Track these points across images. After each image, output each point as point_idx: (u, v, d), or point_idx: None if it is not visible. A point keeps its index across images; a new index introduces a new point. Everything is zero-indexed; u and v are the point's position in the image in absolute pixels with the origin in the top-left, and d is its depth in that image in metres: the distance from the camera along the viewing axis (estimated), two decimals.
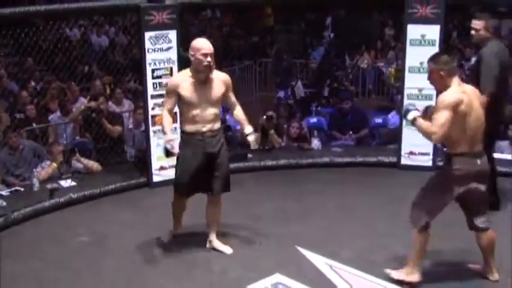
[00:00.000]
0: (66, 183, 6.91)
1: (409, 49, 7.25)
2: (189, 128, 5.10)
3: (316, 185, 7.08)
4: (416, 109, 4.62)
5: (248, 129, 5.20)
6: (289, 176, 7.45)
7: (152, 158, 7.03)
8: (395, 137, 7.84)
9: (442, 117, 4.40)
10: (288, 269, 5.10)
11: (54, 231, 6.04)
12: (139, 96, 8.54)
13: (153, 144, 7.00)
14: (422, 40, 7.13)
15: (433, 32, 7.12)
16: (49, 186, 6.69)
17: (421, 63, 6.91)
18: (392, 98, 11.94)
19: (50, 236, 5.92)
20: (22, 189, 6.83)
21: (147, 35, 6.78)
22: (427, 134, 4.51)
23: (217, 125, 5.17)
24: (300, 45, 14.41)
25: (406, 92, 7.29)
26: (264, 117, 8.16)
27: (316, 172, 7.56)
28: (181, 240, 5.60)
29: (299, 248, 5.45)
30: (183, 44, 6.62)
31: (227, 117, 8.64)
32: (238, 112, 5.30)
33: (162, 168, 7.06)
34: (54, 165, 7.10)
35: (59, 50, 9.26)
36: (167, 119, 5.10)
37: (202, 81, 5.05)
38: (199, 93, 5.04)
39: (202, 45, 5.01)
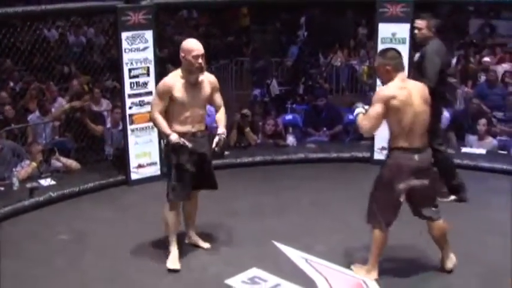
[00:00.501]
0: (45, 182, 6.94)
1: (381, 47, 7.32)
2: (180, 128, 5.03)
3: (292, 181, 7.19)
4: (363, 107, 4.74)
5: (220, 129, 5.16)
6: (265, 173, 7.55)
7: (130, 156, 7.11)
8: None
9: (372, 110, 4.53)
10: (265, 263, 5.18)
11: (34, 229, 6.07)
12: (116, 95, 8.61)
13: (130, 142, 7.07)
14: (393, 38, 7.26)
15: (403, 30, 7.26)
16: (29, 185, 6.70)
17: None
18: (365, 95, 12.06)
19: (30, 234, 5.95)
20: (2, 188, 6.86)
21: (124, 35, 6.86)
22: (358, 126, 4.68)
23: (204, 125, 5.19)
24: (275, 44, 14.49)
25: (378, 88, 7.41)
26: (239, 115, 8.27)
27: (291, 168, 7.67)
28: (160, 237, 5.70)
29: (275, 243, 5.54)
30: (159, 44, 6.69)
31: None
32: (221, 114, 5.28)
33: (140, 166, 7.15)
34: (34, 164, 7.14)
35: (37, 51, 9.28)
36: (161, 121, 5.03)
37: (193, 82, 5.05)
38: (191, 94, 5.03)
39: (194, 46, 4.99)
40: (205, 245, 5.50)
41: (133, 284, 5.02)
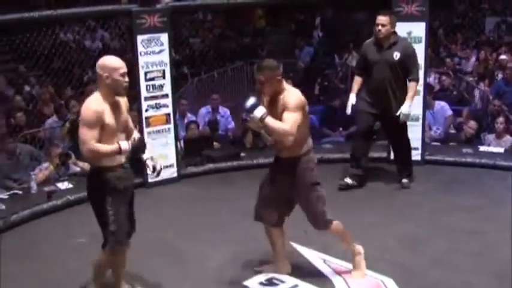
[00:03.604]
0: (63, 185, 6.98)
1: None
2: (110, 161, 4.42)
3: None
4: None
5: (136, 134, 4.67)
6: None
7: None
8: None
9: (295, 117, 4.48)
10: None
11: (53, 233, 6.11)
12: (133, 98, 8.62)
13: (147, 145, 7.08)
14: (408, 37, 7.17)
15: (419, 29, 7.24)
16: (47, 188, 6.76)
17: None
18: None
19: (49, 237, 5.99)
20: (20, 192, 6.90)
21: (140, 38, 6.90)
22: (282, 135, 4.53)
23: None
24: (290, 45, 14.51)
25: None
26: None
27: None
28: (177, 239, 5.72)
29: (292, 244, 5.51)
30: (175, 47, 6.71)
31: (218, 117, 8.79)
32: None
33: None
34: (51, 167, 7.19)
35: (53, 55, 9.33)
36: (106, 147, 4.29)
37: (115, 105, 4.32)
38: (116, 118, 4.33)
39: (118, 63, 4.25)
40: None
41: (149, 285, 5.03)
